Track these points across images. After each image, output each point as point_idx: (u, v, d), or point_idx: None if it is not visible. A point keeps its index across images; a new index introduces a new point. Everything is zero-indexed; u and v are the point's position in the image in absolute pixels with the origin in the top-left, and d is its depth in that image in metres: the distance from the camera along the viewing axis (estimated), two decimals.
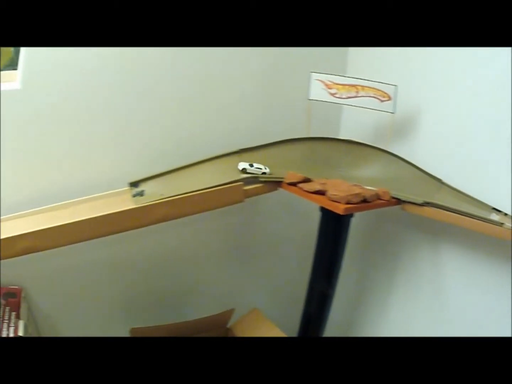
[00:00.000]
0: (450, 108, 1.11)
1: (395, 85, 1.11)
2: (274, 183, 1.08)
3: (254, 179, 1.06)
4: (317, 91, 1.13)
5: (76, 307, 1.24)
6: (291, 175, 1.06)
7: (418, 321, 1.15)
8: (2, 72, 1.16)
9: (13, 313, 1.18)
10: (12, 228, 1.07)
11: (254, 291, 1.37)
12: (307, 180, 1.06)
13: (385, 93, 1.12)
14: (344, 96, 1.13)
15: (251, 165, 1.08)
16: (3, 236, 1.01)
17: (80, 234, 1.02)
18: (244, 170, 1.07)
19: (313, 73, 1.13)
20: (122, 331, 1.15)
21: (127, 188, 1.09)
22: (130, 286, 1.26)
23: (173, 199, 1.01)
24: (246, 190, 1.05)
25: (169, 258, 1.28)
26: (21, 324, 1.16)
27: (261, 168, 1.08)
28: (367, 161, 1.13)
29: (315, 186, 1.04)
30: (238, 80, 1.18)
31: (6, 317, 1.17)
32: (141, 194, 1.05)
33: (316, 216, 1.17)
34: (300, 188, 1.05)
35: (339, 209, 1.00)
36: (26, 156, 1.12)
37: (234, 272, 1.35)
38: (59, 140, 1.12)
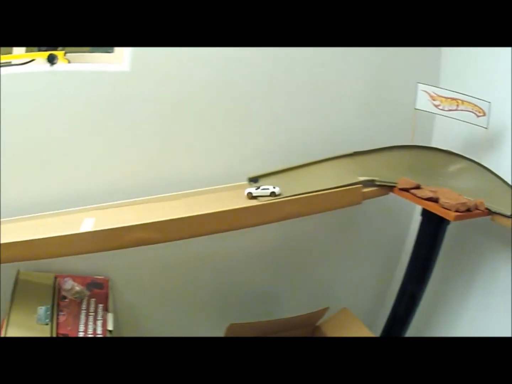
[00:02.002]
0: None
1: (489, 102, 1.18)
2: (387, 188, 1.11)
3: (370, 182, 1.09)
4: (423, 102, 1.18)
5: (162, 301, 1.19)
6: (403, 181, 1.10)
7: (491, 326, 1.23)
8: (100, 54, 1.14)
9: (100, 305, 1.11)
10: (120, 217, 1.01)
11: (343, 290, 1.40)
12: (418, 187, 1.10)
13: (481, 108, 1.19)
14: (446, 109, 1.19)
15: (258, 188, 1.04)
16: (113, 226, 0.96)
17: (200, 228, 0.99)
18: (250, 195, 1.03)
19: (419, 84, 1.17)
20: (210, 329, 1.13)
21: (243, 183, 1.07)
22: (221, 282, 1.23)
23: (300, 197, 1.01)
24: (364, 192, 1.07)
25: (260, 255, 1.27)
26: (110, 317, 1.10)
27: (268, 189, 1.03)
28: (463, 172, 1.19)
29: (427, 193, 1.08)
30: (345, 82, 1.20)
31: (92, 309, 1.10)
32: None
33: (405, 220, 1.23)
34: (413, 194, 1.09)
35: (451, 216, 1.06)
36: (131, 142, 1.07)
37: (324, 271, 1.37)
38: (170, 129, 1.08)
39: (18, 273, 1.16)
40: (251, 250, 1.26)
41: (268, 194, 1.03)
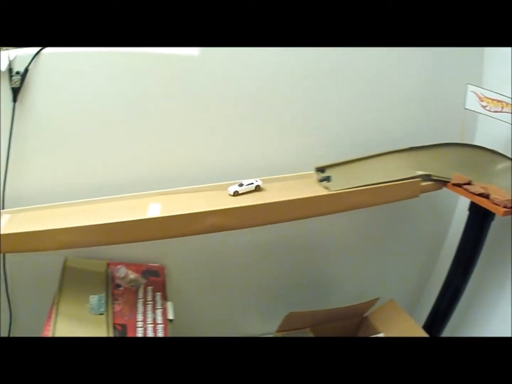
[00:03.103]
0: None
1: None
2: (441, 182, 1.15)
3: (427, 176, 1.12)
4: (472, 102, 1.23)
5: (214, 291, 1.18)
6: (457, 177, 1.14)
7: None
8: None
9: (158, 294, 1.09)
10: (187, 203, 1.00)
11: (384, 283, 1.42)
12: (469, 183, 1.15)
13: None
14: (492, 110, 1.24)
15: (241, 185, 1.04)
16: (191, 211, 0.95)
17: (271, 216, 0.99)
18: (236, 193, 1.03)
19: (469, 85, 1.22)
20: (263, 319, 1.13)
21: (310, 172, 1.08)
22: (275, 270, 1.23)
23: (367, 188, 1.03)
24: (421, 186, 1.10)
25: (312, 246, 1.28)
26: (169, 306, 1.08)
27: (252, 183, 1.05)
28: (506, 171, 1.24)
29: (478, 189, 1.13)
30: (397, 80, 1.23)
31: (150, 298, 1.08)
32: (328, 180, 1.06)
33: (447, 215, 1.27)
34: (466, 190, 1.13)
35: (500, 211, 1.10)
36: (198, 126, 1.06)
37: (369, 264, 1.40)
38: (239, 116, 1.08)
39: (65, 260, 1.12)
40: (297, 240, 1.27)
41: (253, 188, 1.04)
